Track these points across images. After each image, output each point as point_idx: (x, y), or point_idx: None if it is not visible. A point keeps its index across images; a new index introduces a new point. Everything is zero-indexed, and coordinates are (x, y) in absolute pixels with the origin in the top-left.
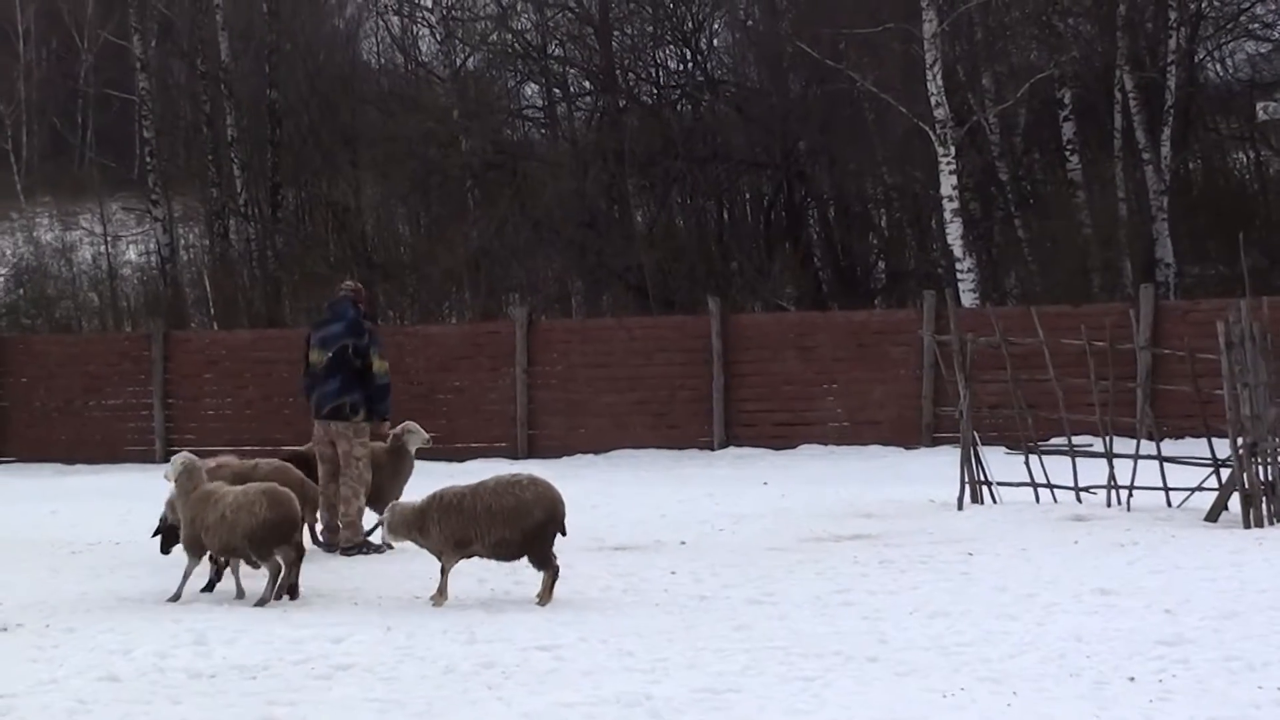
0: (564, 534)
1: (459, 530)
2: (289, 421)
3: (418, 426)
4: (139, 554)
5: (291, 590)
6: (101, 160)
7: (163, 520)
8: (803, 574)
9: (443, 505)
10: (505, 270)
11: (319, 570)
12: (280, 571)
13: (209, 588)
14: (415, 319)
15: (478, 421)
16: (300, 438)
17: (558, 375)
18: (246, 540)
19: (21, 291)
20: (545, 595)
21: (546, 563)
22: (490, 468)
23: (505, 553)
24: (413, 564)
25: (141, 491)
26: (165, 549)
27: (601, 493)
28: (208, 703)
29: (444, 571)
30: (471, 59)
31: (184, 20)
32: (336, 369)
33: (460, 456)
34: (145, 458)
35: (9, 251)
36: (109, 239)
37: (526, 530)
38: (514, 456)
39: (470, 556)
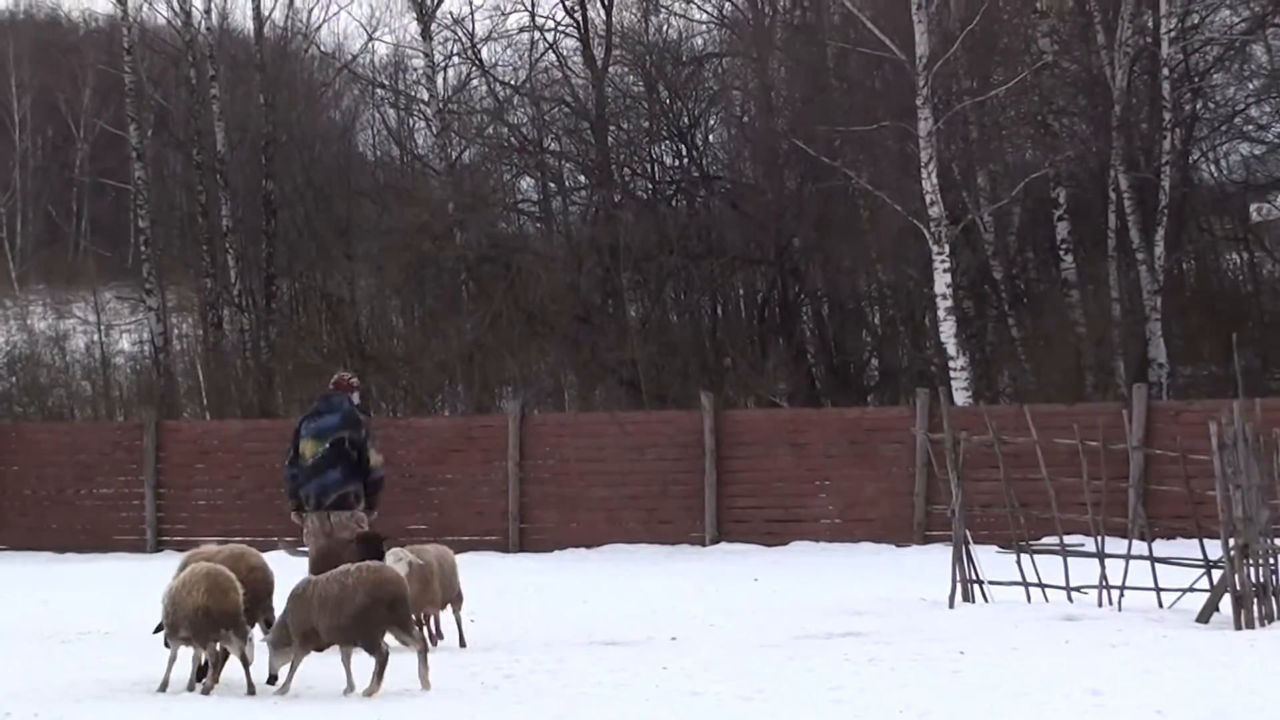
0: (400, 621)
1: (303, 620)
2: (281, 513)
3: (405, 555)
4: (129, 644)
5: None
6: (96, 249)
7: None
8: (793, 671)
9: (290, 597)
10: (498, 363)
11: (318, 661)
12: (224, 659)
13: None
14: (408, 411)
15: (469, 514)
16: (291, 530)
17: (550, 469)
18: (187, 622)
19: (14, 379)
20: (373, 685)
21: (374, 648)
22: (482, 561)
23: (341, 638)
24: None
25: (133, 581)
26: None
27: (593, 587)
28: None
29: (293, 666)
30: (467, 152)
31: (180, 110)
32: (336, 460)
33: (457, 550)
34: (136, 547)
35: (2, 339)
36: (102, 327)
37: (352, 615)
38: (505, 550)
39: (318, 648)
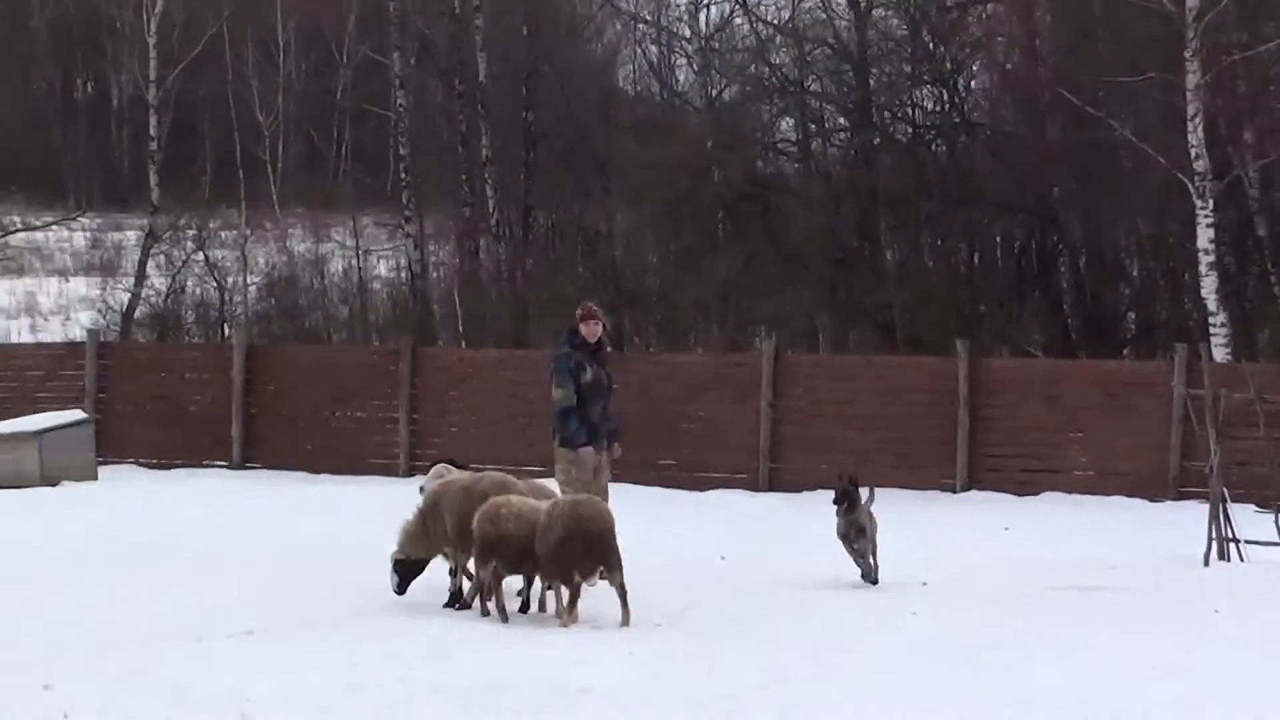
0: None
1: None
2: (532, 442)
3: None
4: (385, 565)
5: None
6: (356, 174)
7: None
8: (1040, 622)
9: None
10: (753, 303)
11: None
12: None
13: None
14: (661, 347)
15: (720, 453)
16: (542, 459)
17: (802, 410)
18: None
19: (273, 301)
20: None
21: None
22: (731, 499)
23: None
24: (653, 592)
25: (386, 503)
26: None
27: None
28: (451, 717)
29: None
30: (728, 90)
31: (443, 39)
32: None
33: (701, 487)
34: (389, 470)
35: (262, 260)
36: (360, 253)
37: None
38: (755, 489)
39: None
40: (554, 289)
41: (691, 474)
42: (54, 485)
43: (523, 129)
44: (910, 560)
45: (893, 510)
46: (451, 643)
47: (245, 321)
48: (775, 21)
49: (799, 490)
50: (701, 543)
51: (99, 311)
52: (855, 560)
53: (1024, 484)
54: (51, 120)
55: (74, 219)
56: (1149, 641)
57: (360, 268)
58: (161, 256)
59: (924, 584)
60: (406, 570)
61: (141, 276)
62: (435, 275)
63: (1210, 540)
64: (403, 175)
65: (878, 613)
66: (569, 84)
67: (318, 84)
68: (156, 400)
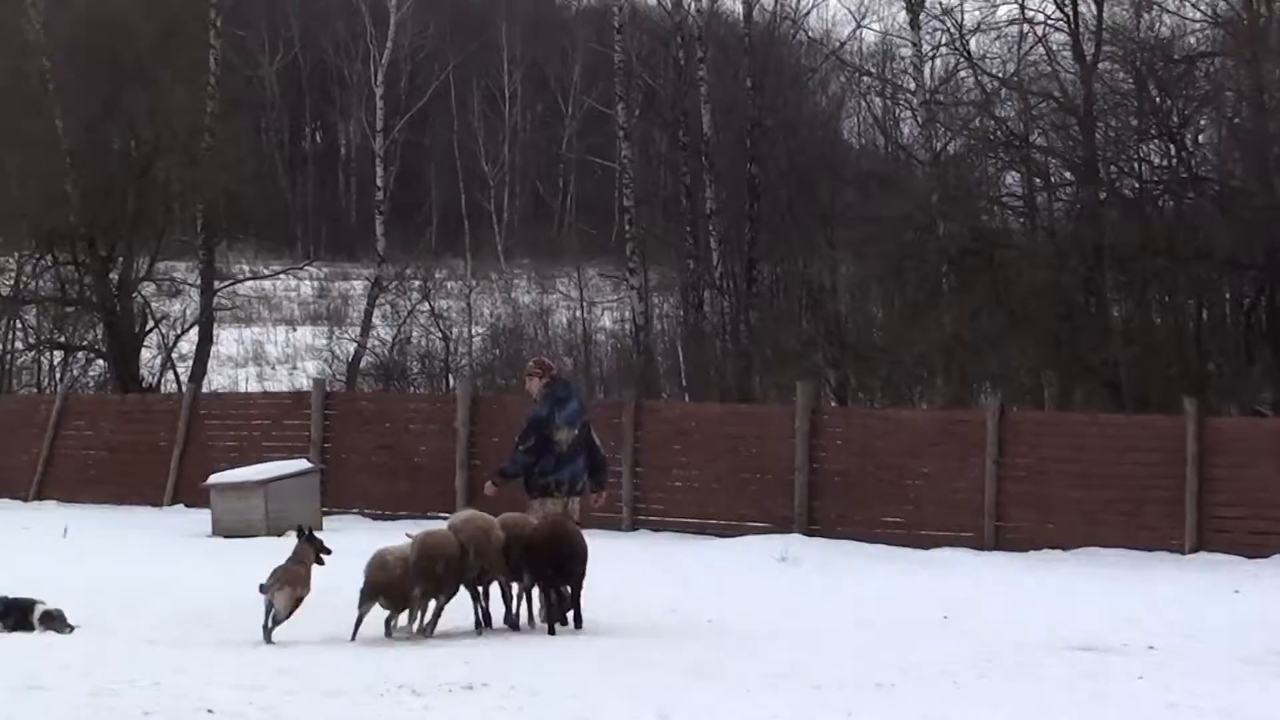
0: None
1: None
2: (755, 499)
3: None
4: (606, 617)
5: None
6: (581, 225)
7: None
8: (1276, 689)
9: None
10: (978, 358)
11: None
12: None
13: None
14: (885, 402)
15: (943, 509)
16: (765, 514)
17: (1027, 467)
18: None
19: (497, 352)
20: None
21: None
22: (955, 557)
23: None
24: (875, 651)
25: (609, 558)
26: None
27: (1067, 589)
28: None
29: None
30: (952, 143)
31: (668, 90)
32: (580, 447)
33: (925, 544)
34: (612, 525)
35: (487, 311)
36: (585, 304)
37: None
38: (979, 547)
39: None
40: (777, 343)
41: (915, 531)
42: (279, 535)
43: (747, 181)
44: (1136, 622)
45: (1119, 569)
46: (675, 703)
47: (469, 372)
48: (1000, 75)
49: (1024, 549)
50: (925, 601)
51: (325, 361)
52: None
53: (1254, 545)
54: (280, 169)
55: (301, 268)
56: None
57: (585, 320)
58: (387, 306)
59: (1150, 648)
60: None
61: (367, 326)
62: (659, 328)
63: None
64: (627, 227)
65: (1103, 676)
66: (793, 137)
67: (543, 134)
68: (381, 450)
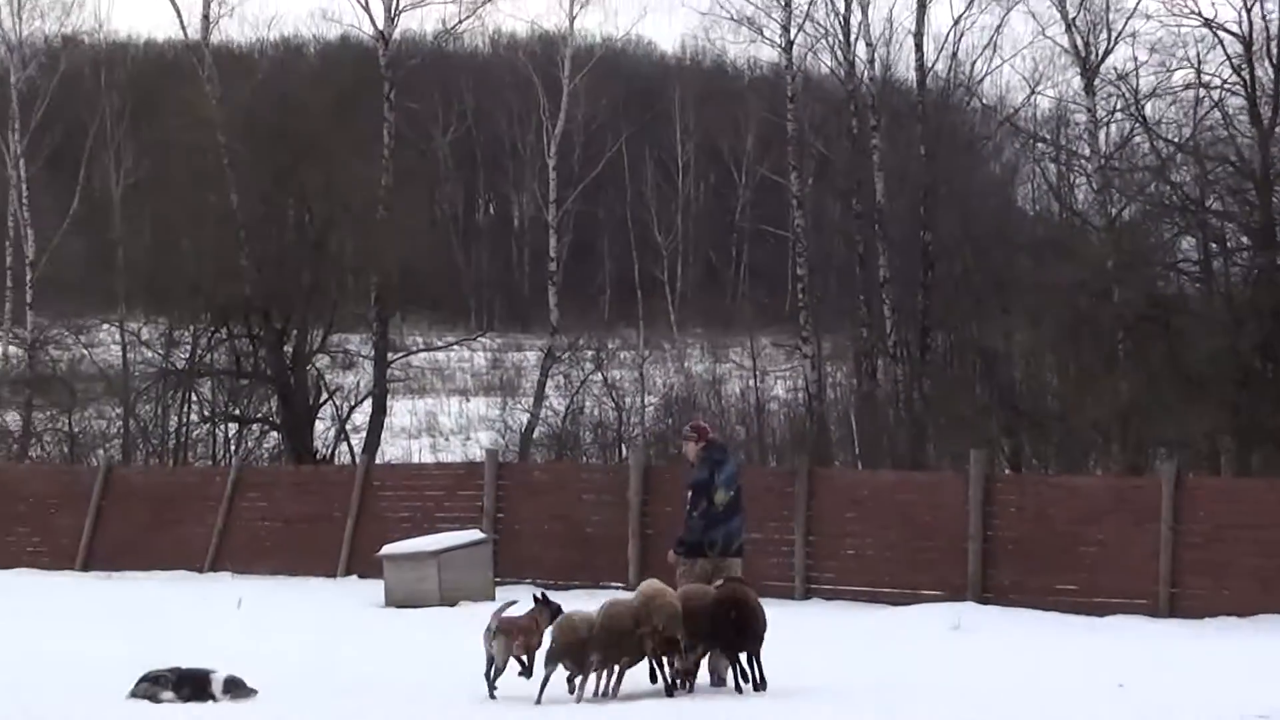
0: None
1: None
2: (929, 565)
3: None
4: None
5: None
6: (753, 295)
7: None
8: None
9: None
10: (1153, 424)
11: None
12: None
13: None
14: (1060, 469)
15: (1118, 577)
16: (938, 582)
17: (1204, 534)
18: None
19: (670, 421)
20: None
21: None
22: (1130, 624)
23: None
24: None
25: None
26: None
27: (1245, 657)
28: None
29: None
30: (1128, 209)
31: (841, 159)
32: (735, 508)
33: (1099, 611)
34: (784, 594)
35: (660, 381)
36: (758, 373)
37: None
38: (1154, 614)
39: None
40: (951, 410)
41: (1089, 598)
42: (452, 605)
43: (920, 248)
44: None
45: None
46: None
47: (642, 442)
48: (1176, 139)
49: (1201, 616)
50: (1099, 669)
51: (498, 431)
52: None
53: None
54: (453, 241)
55: (475, 339)
56: None
57: (757, 389)
58: (560, 376)
59: None
60: None
61: (540, 396)
62: (832, 396)
63: None
64: (800, 296)
65: None
66: (967, 203)
67: (716, 204)
68: (554, 520)
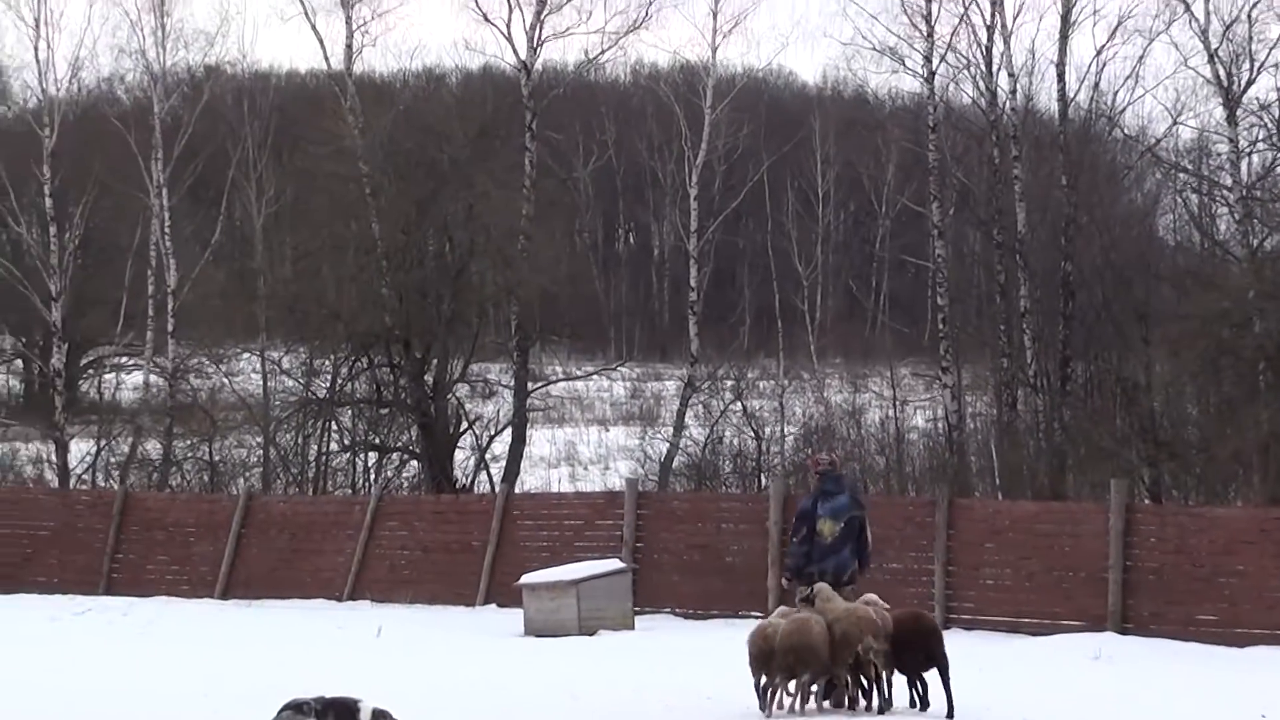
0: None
1: None
2: (1069, 595)
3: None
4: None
5: None
6: (893, 325)
7: None
8: None
9: None
10: None
11: None
12: None
13: None
14: (1199, 500)
15: (1260, 608)
16: (1078, 612)
17: None
18: None
19: (809, 451)
20: None
21: None
22: (1274, 655)
23: None
24: None
25: None
26: None
27: None
28: None
29: None
30: (1270, 239)
31: (982, 189)
32: (847, 539)
33: (1241, 643)
34: None
35: (800, 410)
36: (897, 403)
37: None
38: None
39: None
40: (1091, 441)
41: (1230, 630)
42: (591, 634)
43: (1061, 279)
44: None
45: None
46: None
47: (782, 471)
48: None
49: None
50: (1241, 700)
51: (637, 461)
52: None
53: None
54: (594, 271)
55: (614, 369)
56: None
57: (897, 419)
58: (700, 406)
59: None
60: None
61: (680, 426)
62: (972, 426)
63: None
64: (941, 326)
65: None
66: (1108, 234)
67: (856, 234)
68: (693, 550)
